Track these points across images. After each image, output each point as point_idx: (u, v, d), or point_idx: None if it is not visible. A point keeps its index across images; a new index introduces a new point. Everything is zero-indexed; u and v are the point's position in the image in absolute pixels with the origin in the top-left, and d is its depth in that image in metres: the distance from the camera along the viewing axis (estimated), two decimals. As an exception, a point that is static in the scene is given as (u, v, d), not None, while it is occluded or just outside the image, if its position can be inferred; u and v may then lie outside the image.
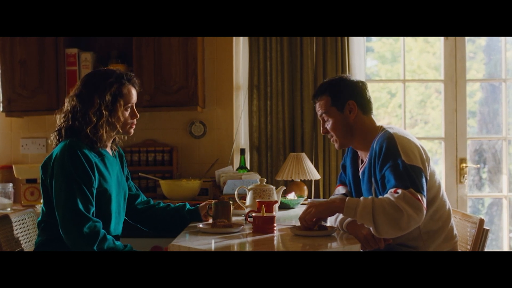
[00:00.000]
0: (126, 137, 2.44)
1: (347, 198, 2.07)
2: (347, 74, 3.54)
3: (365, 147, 2.30)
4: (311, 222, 2.12)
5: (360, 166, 2.34)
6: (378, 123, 2.32)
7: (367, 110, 2.30)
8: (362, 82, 2.33)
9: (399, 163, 2.06)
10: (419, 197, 1.99)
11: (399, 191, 1.99)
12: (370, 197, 2.04)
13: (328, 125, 2.30)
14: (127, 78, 2.27)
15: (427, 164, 2.14)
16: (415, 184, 2.01)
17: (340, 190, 2.48)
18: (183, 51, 3.40)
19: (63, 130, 2.23)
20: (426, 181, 2.10)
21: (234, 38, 3.69)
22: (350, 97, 2.26)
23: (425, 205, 2.01)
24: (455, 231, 2.27)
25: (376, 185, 2.17)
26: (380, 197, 2.05)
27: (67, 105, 2.24)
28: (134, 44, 3.42)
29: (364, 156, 2.31)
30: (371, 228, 2.02)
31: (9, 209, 3.26)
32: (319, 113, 2.33)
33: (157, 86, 3.41)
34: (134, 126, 2.33)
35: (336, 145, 2.34)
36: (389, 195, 2.01)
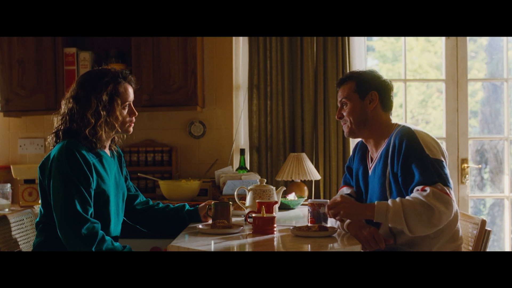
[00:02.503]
0: (125, 137, 2.43)
1: (376, 203, 2.08)
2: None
3: (375, 141, 2.31)
4: (337, 219, 2.15)
5: (370, 165, 2.34)
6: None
7: (387, 108, 2.32)
8: (390, 82, 2.35)
9: (424, 157, 2.09)
10: (447, 191, 2.03)
11: (427, 188, 2.02)
12: (397, 199, 2.06)
13: (345, 111, 2.31)
14: (122, 76, 2.25)
15: (446, 160, 2.17)
16: (442, 178, 2.06)
17: (344, 190, 2.48)
18: (182, 50, 3.38)
19: (60, 132, 2.22)
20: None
21: (234, 37, 3.67)
22: (375, 88, 2.29)
23: (453, 198, 2.05)
24: (461, 234, 2.25)
25: (394, 179, 2.17)
26: (407, 198, 2.06)
27: (63, 107, 2.23)
28: (133, 43, 3.40)
29: (375, 152, 2.31)
30: (404, 229, 2.03)
31: (7, 209, 3.24)
32: (339, 98, 2.34)
33: (156, 86, 3.39)
34: (133, 124, 2.31)
35: (345, 131, 2.34)
36: (417, 194, 2.03)
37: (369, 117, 2.29)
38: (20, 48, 3.43)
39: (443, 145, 3.73)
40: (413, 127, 2.24)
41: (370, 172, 2.33)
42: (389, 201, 2.05)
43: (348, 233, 2.15)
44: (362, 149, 2.43)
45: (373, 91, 2.28)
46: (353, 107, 2.29)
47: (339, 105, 2.36)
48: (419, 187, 2.04)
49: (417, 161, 2.09)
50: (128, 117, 2.28)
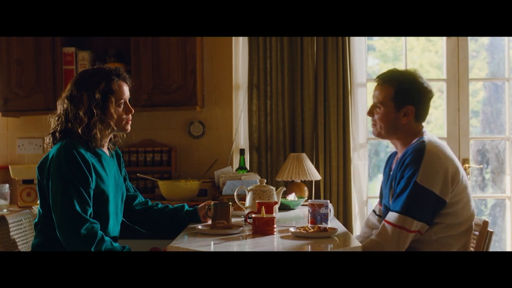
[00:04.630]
0: (125, 137, 2.41)
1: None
2: (348, 74, 3.51)
3: (402, 146, 2.30)
4: None
5: (392, 172, 2.33)
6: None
7: (421, 119, 2.28)
8: (431, 91, 2.28)
9: (410, 182, 2.09)
10: (405, 225, 2.07)
11: (387, 226, 2.12)
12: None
13: (378, 114, 2.28)
14: (116, 73, 2.24)
15: (450, 191, 2.12)
16: (410, 210, 2.08)
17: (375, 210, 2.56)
18: (182, 49, 3.36)
19: (57, 133, 2.21)
20: (439, 207, 2.11)
21: (233, 37, 3.66)
22: (413, 103, 2.23)
23: (412, 229, 2.09)
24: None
25: (394, 190, 2.19)
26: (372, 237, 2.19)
27: (59, 107, 2.23)
28: (132, 43, 3.39)
29: (399, 155, 2.30)
30: None
31: (5, 210, 3.22)
32: (374, 98, 2.30)
33: (155, 85, 3.37)
34: (130, 122, 2.30)
35: (374, 131, 2.33)
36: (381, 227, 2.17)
37: (400, 127, 2.26)
38: (18, 48, 3.42)
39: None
40: (434, 141, 2.19)
41: (390, 176, 2.33)
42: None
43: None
44: (392, 158, 2.44)
45: (410, 105, 2.23)
46: (386, 114, 2.25)
47: (373, 102, 2.31)
48: (385, 219, 2.15)
49: (404, 183, 2.11)
50: (124, 114, 2.26)
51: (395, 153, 2.42)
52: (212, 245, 1.92)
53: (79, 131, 2.14)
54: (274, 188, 2.53)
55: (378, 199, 2.54)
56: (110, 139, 2.33)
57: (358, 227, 3.60)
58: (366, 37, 3.68)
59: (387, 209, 2.26)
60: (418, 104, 2.24)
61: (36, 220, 2.23)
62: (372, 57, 4.32)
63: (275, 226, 2.14)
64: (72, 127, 2.16)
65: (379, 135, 2.31)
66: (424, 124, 2.31)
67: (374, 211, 2.55)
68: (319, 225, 2.14)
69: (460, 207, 2.16)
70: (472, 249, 2.25)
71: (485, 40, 4.12)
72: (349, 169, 3.55)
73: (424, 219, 2.09)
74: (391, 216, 2.12)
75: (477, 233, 2.23)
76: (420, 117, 2.26)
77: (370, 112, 2.31)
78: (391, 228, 2.10)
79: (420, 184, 2.08)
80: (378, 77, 2.32)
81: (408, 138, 2.26)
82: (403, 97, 2.23)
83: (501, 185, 3.93)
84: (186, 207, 2.51)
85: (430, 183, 2.08)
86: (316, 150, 3.58)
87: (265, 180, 2.58)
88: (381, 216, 2.38)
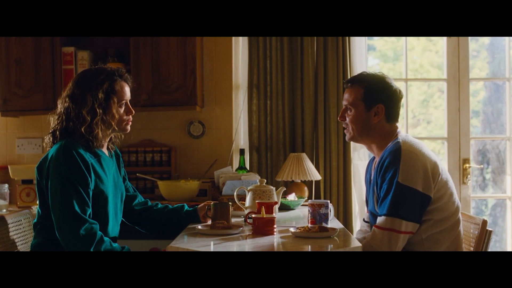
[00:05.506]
0: (123, 136, 2.41)
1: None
2: (348, 74, 3.51)
3: (377, 149, 2.30)
4: None
5: (372, 176, 2.34)
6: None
7: (392, 119, 2.29)
8: (400, 92, 2.31)
9: (392, 184, 2.09)
10: (394, 226, 2.08)
11: (377, 230, 2.11)
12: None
13: (349, 116, 2.29)
14: (118, 74, 2.24)
15: (433, 186, 2.12)
16: (397, 211, 2.08)
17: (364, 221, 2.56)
18: (182, 49, 3.36)
19: (57, 132, 2.20)
20: (425, 204, 2.11)
21: (233, 37, 3.65)
22: (382, 102, 2.25)
23: (402, 230, 2.08)
24: (462, 236, 2.25)
25: (378, 195, 2.19)
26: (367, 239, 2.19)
27: (60, 106, 2.22)
28: (131, 43, 3.38)
29: (377, 159, 2.31)
30: None
31: (4, 210, 3.21)
32: (345, 101, 2.31)
33: (155, 85, 3.37)
34: (130, 123, 2.30)
35: (347, 136, 2.34)
36: (369, 233, 2.22)
37: (372, 128, 2.26)
38: (17, 47, 3.41)
39: (445, 146, 3.72)
40: (408, 141, 2.20)
41: (371, 182, 2.33)
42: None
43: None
44: (370, 164, 2.44)
45: (380, 104, 2.24)
46: (357, 115, 2.26)
47: (343, 106, 2.33)
48: (375, 224, 2.14)
49: (386, 185, 2.12)
50: (125, 115, 2.26)
51: (373, 159, 2.42)
52: (212, 245, 1.92)
53: (82, 130, 2.13)
54: (274, 188, 2.52)
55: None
56: (110, 138, 2.33)
57: (358, 227, 3.60)
58: (366, 37, 3.68)
59: (373, 216, 2.27)
60: (388, 103, 2.25)
61: (35, 220, 2.22)
62: (372, 57, 4.32)
63: (275, 226, 2.13)
64: (74, 126, 2.15)
65: (352, 138, 2.32)
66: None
67: (363, 219, 2.56)
68: (319, 225, 2.13)
69: (445, 201, 2.16)
70: (471, 248, 2.25)
71: (485, 40, 4.11)
72: (349, 169, 3.54)
73: (412, 218, 2.09)
74: (380, 220, 2.13)
75: (476, 232, 2.22)
76: (391, 117, 2.27)
77: (342, 116, 2.32)
78: (380, 232, 2.10)
79: (402, 183, 2.08)
80: (346, 81, 2.35)
81: (383, 141, 2.27)
82: (373, 96, 2.25)
83: (502, 185, 3.93)
84: (186, 207, 2.50)
85: (412, 181, 2.09)
86: (316, 150, 3.58)
87: (265, 180, 2.58)
88: (369, 222, 2.38)
